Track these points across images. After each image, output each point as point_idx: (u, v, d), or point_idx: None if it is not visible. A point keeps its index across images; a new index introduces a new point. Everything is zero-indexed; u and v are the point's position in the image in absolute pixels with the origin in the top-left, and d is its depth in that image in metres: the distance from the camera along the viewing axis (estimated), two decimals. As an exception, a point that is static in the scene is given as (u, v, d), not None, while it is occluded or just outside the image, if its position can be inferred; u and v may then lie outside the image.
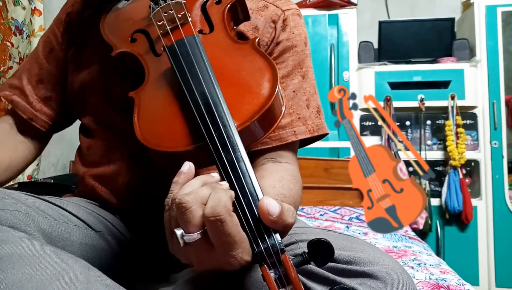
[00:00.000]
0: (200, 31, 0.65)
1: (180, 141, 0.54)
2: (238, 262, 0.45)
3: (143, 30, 0.67)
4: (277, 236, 0.45)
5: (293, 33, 0.79)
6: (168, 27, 0.63)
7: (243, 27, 0.77)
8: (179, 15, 0.64)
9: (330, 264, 0.52)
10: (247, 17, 0.72)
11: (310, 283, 0.51)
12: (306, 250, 0.45)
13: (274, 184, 0.67)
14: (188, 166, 0.50)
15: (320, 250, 0.44)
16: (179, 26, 0.63)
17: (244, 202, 0.46)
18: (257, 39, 0.61)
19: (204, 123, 0.51)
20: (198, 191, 0.45)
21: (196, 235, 0.43)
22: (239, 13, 0.70)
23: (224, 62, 0.60)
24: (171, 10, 0.64)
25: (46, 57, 0.86)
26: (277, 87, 0.55)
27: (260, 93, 0.55)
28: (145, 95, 0.60)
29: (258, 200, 0.46)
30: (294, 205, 0.67)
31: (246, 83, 0.57)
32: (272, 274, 0.43)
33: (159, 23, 0.64)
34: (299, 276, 0.52)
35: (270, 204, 0.44)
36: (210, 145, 0.50)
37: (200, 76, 0.55)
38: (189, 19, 0.63)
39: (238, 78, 0.58)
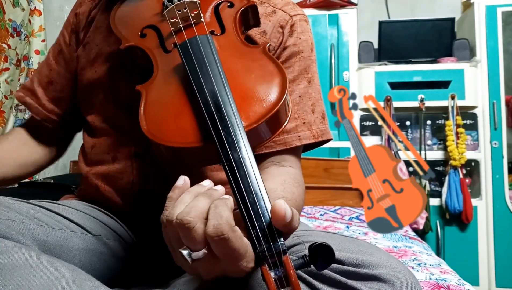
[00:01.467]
0: (212, 32, 0.65)
1: (187, 138, 0.54)
2: (244, 270, 0.45)
3: (154, 26, 0.68)
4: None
5: (300, 38, 0.80)
6: (181, 25, 0.64)
7: (251, 31, 0.78)
8: (193, 14, 0.65)
9: (338, 266, 0.52)
10: (257, 23, 0.73)
11: (319, 285, 0.51)
12: (307, 253, 0.45)
13: (276, 188, 0.67)
14: (183, 181, 0.49)
15: (321, 254, 0.44)
16: (193, 24, 0.64)
17: (249, 201, 0.46)
18: (267, 44, 0.62)
19: (213, 121, 0.51)
20: (197, 206, 0.43)
21: (202, 253, 0.43)
22: (250, 18, 0.71)
23: (234, 63, 0.61)
24: (185, 9, 0.65)
25: (55, 59, 0.88)
26: (286, 91, 0.56)
27: (269, 96, 0.56)
28: (153, 90, 0.61)
29: (263, 199, 0.46)
30: (297, 208, 0.68)
31: (256, 86, 0.58)
32: (272, 274, 0.43)
33: (172, 20, 0.64)
34: (308, 277, 0.52)
35: (288, 210, 0.44)
36: (217, 143, 0.50)
37: (211, 75, 0.56)
38: (202, 19, 0.64)
39: (248, 80, 0.59)
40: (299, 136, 0.77)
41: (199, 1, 0.66)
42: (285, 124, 0.58)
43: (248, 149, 0.50)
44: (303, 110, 0.78)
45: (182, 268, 0.47)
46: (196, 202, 0.44)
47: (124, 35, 0.69)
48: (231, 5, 0.69)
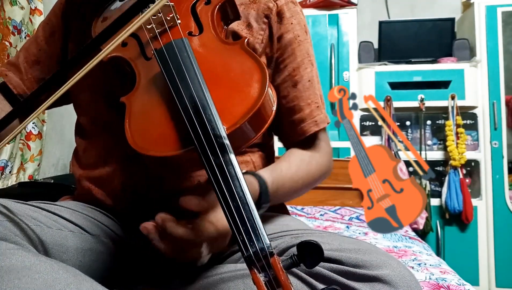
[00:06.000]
0: (190, 33, 0.64)
1: (169, 146, 0.54)
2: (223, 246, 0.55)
3: (134, 34, 0.66)
4: (266, 240, 0.44)
5: (291, 23, 0.79)
6: (157, 31, 0.62)
7: (237, 26, 0.76)
8: (168, 18, 0.63)
9: (338, 267, 0.52)
10: (237, 17, 0.72)
11: (320, 286, 0.51)
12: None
13: (284, 157, 0.76)
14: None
15: (309, 251, 0.44)
16: (167, 29, 0.62)
17: (233, 205, 0.46)
18: (246, 40, 0.61)
19: (193, 127, 0.51)
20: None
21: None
22: (229, 13, 0.70)
23: (213, 64, 0.60)
24: (160, 13, 0.63)
25: (46, 40, 0.86)
26: (266, 87, 0.55)
27: (249, 94, 0.55)
28: (136, 100, 0.60)
29: (247, 203, 0.46)
30: (306, 168, 0.77)
31: (235, 85, 0.57)
32: (262, 278, 0.43)
33: (148, 27, 0.63)
34: (308, 277, 0.52)
35: None
36: (198, 149, 0.50)
37: (189, 80, 0.55)
38: (178, 22, 0.63)
39: (227, 80, 0.58)
40: (316, 121, 0.78)
41: (172, 3, 0.64)
42: (270, 119, 0.57)
43: (230, 152, 0.49)
44: (314, 94, 0.79)
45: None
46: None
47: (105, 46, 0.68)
48: (208, 2, 0.67)
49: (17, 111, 0.57)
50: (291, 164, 0.75)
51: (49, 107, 0.93)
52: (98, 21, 0.73)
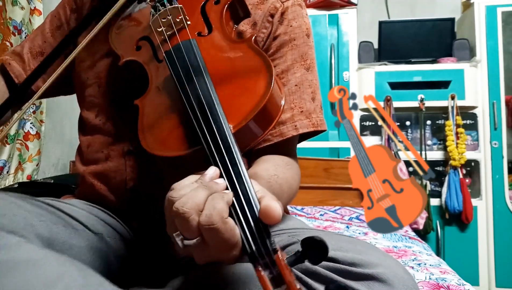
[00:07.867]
0: (199, 34, 0.65)
1: (177, 146, 0.55)
2: (233, 259, 0.46)
3: (147, 37, 0.68)
4: (270, 237, 0.44)
5: (291, 26, 0.79)
6: (166, 33, 0.64)
7: (242, 26, 0.77)
8: (178, 19, 0.64)
9: (334, 265, 0.52)
10: (247, 15, 0.72)
11: (315, 285, 0.51)
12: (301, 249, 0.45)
13: (268, 168, 0.68)
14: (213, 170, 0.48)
15: (314, 247, 0.44)
16: (176, 31, 0.63)
17: (238, 204, 0.46)
18: (253, 37, 0.62)
19: (199, 126, 0.52)
20: (196, 197, 0.45)
21: (194, 241, 0.44)
22: (238, 11, 0.71)
23: (220, 63, 0.61)
24: (169, 16, 0.64)
25: (52, 32, 0.86)
26: (272, 85, 0.55)
27: (255, 92, 0.55)
28: (148, 102, 0.62)
29: (251, 201, 0.46)
30: (289, 188, 0.69)
31: (242, 83, 0.58)
32: (266, 275, 0.43)
33: (159, 30, 0.65)
34: (304, 276, 0.52)
35: (278, 209, 0.44)
36: (205, 148, 0.50)
37: (195, 80, 0.56)
38: (186, 23, 0.64)
39: (234, 79, 0.59)
40: (295, 126, 0.76)
41: (181, 5, 0.65)
42: (278, 116, 0.57)
43: (236, 152, 0.49)
44: (300, 98, 0.77)
45: (175, 248, 0.48)
46: (195, 193, 0.45)
47: (121, 52, 0.69)
48: (217, 2, 0.68)
49: (13, 99, 0.56)
50: (282, 184, 0.69)
51: (49, 96, 0.92)
52: (114, 27, 0.74)
